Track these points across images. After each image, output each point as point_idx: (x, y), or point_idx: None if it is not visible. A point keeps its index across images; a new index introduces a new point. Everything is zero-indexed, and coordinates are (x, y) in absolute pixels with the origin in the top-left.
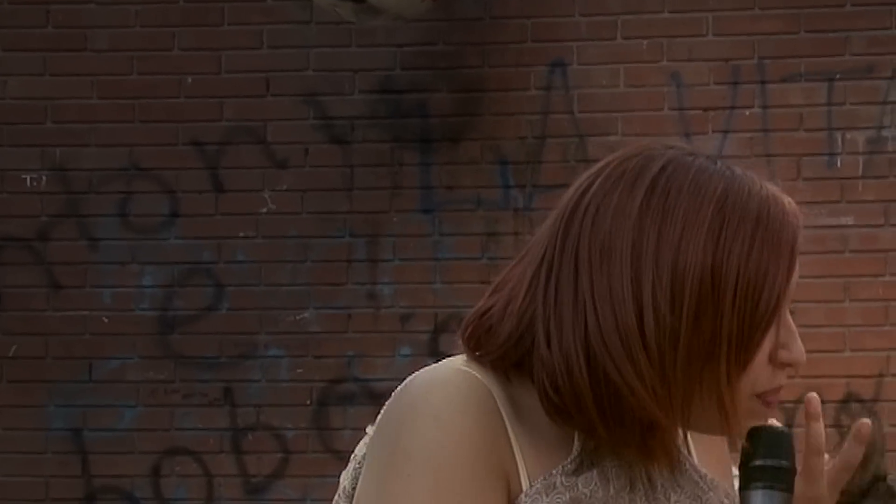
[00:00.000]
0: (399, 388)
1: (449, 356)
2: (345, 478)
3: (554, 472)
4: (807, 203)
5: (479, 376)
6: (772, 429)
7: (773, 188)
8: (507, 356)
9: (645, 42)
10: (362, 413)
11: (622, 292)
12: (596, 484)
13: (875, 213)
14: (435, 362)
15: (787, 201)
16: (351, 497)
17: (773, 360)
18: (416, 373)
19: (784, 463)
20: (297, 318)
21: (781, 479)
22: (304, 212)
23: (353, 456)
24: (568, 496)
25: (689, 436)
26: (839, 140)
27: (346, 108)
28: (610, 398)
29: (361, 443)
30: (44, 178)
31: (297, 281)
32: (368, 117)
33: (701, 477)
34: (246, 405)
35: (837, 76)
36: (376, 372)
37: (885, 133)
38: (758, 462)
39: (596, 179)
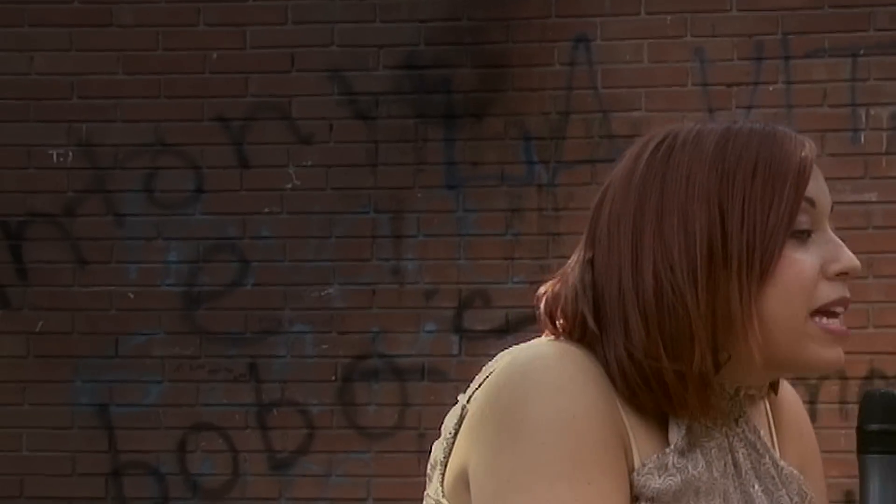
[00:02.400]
0: (494, 366)
1: (472, 331)
2: (437, 448)
3: (667, 450)
4: (830, 179)
5: (582, 352)
6: (888, 393)
7: (776, 126)
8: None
9: (669, 17)
10: (387, 389)
11: (628, 258)
12: (702, 466)
13: None
14: (459, 338)
15: (795, 136)
16: (444, 466)
17: (825, 274)
18: (510, 350)
19: None
20: (322, 293)
21: None
22: (329, 187)
23: (443, 427)
24: (679, 478)
25: (772, 426)
26: (863, 116)
27: (371, 83)
28: (621, 362)
29: (450, 414)
30: (70, 153)
31: (321, 257)
32: (393, 93)
33: (778, 471)
34: (271, 381)
35: (861, 51)
36: (401, 348)
37: None
38: (874, 427)
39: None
